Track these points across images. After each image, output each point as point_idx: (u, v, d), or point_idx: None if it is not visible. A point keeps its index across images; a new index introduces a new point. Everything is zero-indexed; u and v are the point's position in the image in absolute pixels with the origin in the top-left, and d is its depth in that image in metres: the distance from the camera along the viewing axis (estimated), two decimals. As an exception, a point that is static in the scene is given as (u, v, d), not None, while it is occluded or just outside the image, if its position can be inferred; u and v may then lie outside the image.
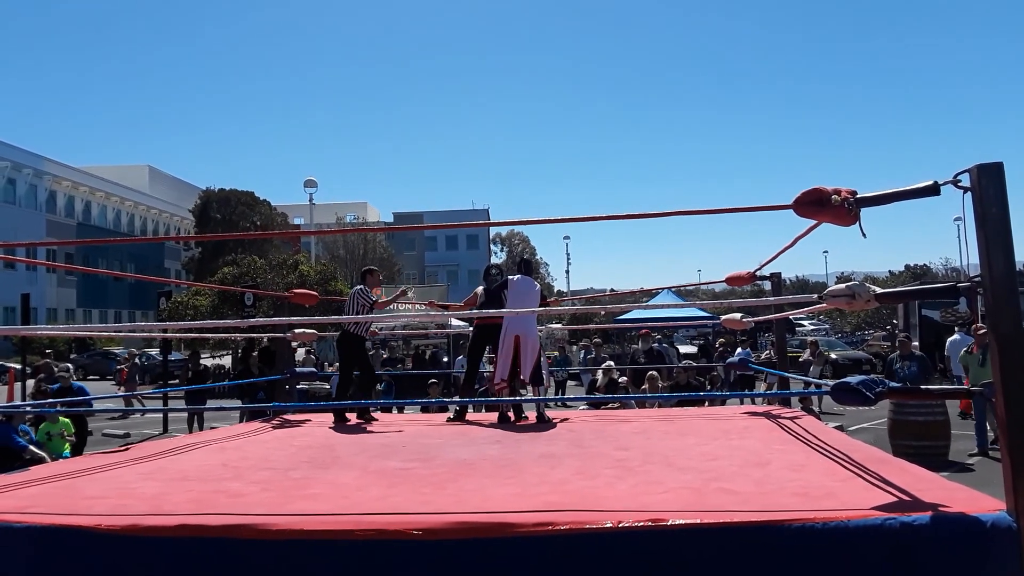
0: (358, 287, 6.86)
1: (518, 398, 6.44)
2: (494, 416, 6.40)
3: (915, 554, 2.34)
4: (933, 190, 2.70)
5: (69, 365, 12.88)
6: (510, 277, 6.71)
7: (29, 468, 4.73)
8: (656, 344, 15.21)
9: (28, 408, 8.12)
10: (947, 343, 14.77)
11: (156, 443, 5.36)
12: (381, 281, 8.04)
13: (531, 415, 6.13)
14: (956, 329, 15.69)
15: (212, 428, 8.77)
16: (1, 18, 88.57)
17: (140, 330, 17.48)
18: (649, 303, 23.14)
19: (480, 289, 6.95)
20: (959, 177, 2.61)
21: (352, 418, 6.37)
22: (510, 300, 6.47)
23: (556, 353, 18.30)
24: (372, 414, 6.61)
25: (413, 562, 2.49)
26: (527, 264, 6.97)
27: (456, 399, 7.85)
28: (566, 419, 6.10)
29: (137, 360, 22.80)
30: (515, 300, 6.43)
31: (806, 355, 16.98)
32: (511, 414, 6.23)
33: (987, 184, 2.53)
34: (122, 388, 18.77)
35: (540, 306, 6.78)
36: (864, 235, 2.89)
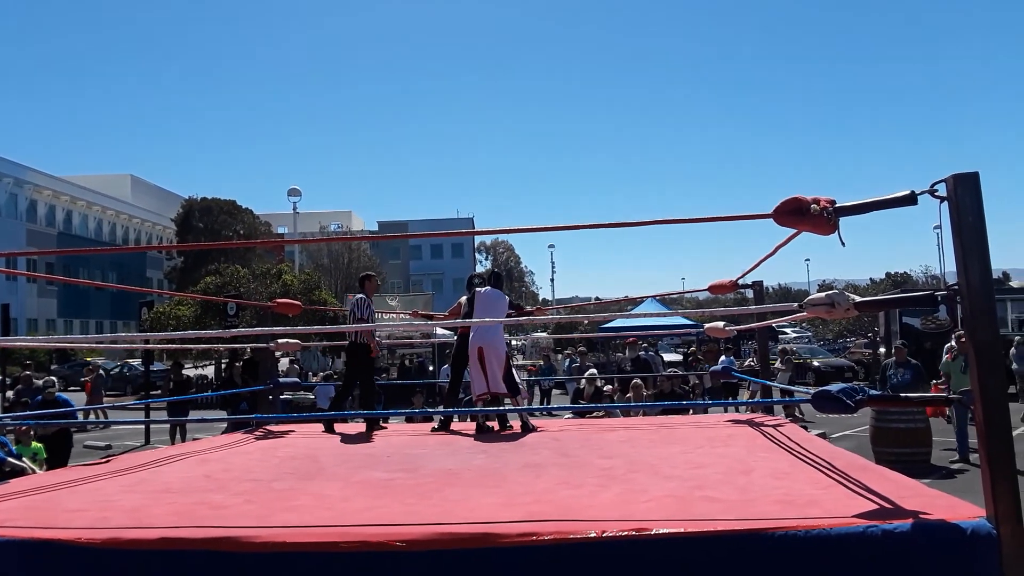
0: (359, 296, 6.81)
1: (502, 408, 6.44)
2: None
3: (896, 561, 2.35)
4: (910, 200, 2.72)
5: (53, 379, 12.66)
6: (477, 290, 6.71)
7: (8, 481, 4.67)
8: (643, 352, 15.26)
9: (8, 420, 8.00)
10: (944, 348, 14.86)
11: (137, 455, 5.31)
12: (379, 287, 8.00)
13: (516, 424, 6.13)
14: (953, 335, 15.75)
15: (195, 439, 8.69)
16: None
17: (122, 340, 17.26)
18: (634, 311, 23.21)
19: (464, 299, 6.96)
20: (936, 187, 2.62)
21: (346, 429, 6.32)
22: (476, 312, 6.49)
23: (541, 362, 18.31)
24: (381, 423, 6.58)
25: (398, 573, 2.48)
26: (496, 276, 6.95)
27: (440, 409, 7.83)
28: (547, 428, 6.10)
29: (102, 371, 22.55)
30: (481, 312, 6.46)
31: (777, 363, 17.07)
32: (494, 424, 6.22)
33: (963, 193, 2.55)
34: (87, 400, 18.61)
35: (518, 315, 6.79)
36: (843, 243, 2.91)
